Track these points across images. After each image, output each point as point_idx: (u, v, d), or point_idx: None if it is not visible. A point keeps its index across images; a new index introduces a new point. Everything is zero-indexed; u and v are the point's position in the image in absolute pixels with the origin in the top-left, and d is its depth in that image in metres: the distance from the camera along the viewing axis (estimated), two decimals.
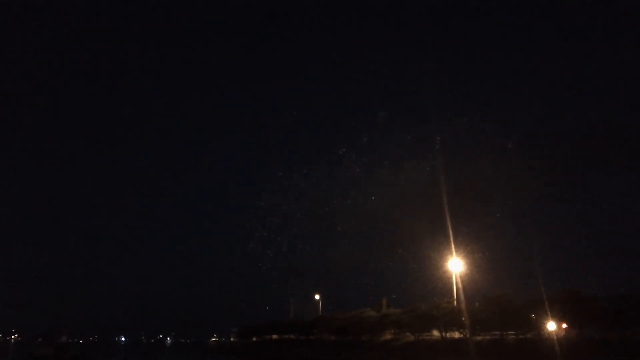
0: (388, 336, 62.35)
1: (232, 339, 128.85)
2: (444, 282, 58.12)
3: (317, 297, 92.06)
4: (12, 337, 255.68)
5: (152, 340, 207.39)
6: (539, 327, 45.85)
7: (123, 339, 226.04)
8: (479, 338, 48.99)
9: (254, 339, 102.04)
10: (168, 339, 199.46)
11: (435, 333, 55.88)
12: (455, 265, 57.02)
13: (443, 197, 58.05)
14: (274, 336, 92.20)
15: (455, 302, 55.87)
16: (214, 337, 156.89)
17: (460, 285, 55.81)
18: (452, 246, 57.02)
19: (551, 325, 44.29)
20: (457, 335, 53.26)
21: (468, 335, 49.85)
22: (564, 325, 45.89)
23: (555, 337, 42.57)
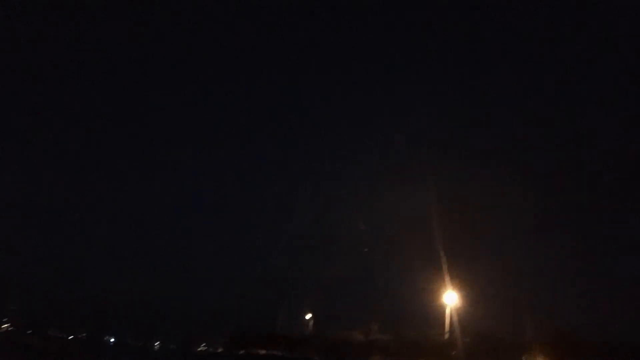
0: None
1: (219, 350, 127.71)
2: (436, 312, 57.50)
3: (308, 316, 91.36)
4: (4, 326, 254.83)
5: (140, 344, 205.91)
6: None
7: (112, 339, 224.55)
8: None
9: (241, 352, 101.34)
10: (157, 343, 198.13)
11: None
12: (449, 297, 56.45)
13: (438, 227, 57.69)
14: (262, 352, 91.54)
15: (447, 335, 55.23)
16: (203, 346, 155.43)
17: (454, 318, 55.24)
18: (446, 276, 56.48)
19: None
20: None
21: None
22: None
23: None
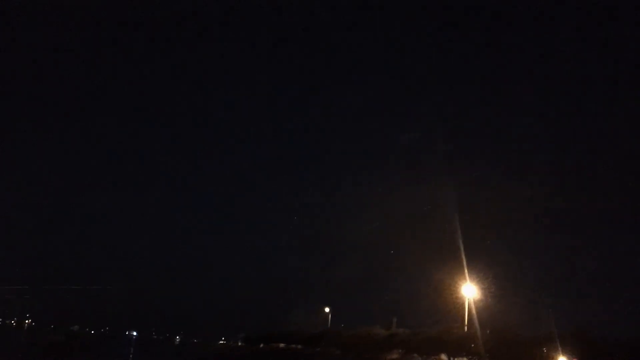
0: (395, 356, 61.77)
1: (239, 344, 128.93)
2: (456, 307, 57.59)
3: (327, 309, 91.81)
4: (26, 322, 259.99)
5: (161, 338, 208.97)
6: None
7: (135, 333, 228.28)
8: None
9: (261, 345, 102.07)
10: (177, 337, 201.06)
11: (443, 357, 55.27)
12: (468, 291, 56.52)
13: (456, 221, 57.63)
14: (281, 345, 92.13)
15: (466, 328, 55.32)
16: (222, 340, 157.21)
17: (473, 311, 55.30)
18: (466, 270, 56.57)
19: None
20: None
21: None
22: None
23: None
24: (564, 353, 43.53)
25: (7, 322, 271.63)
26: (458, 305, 57.20)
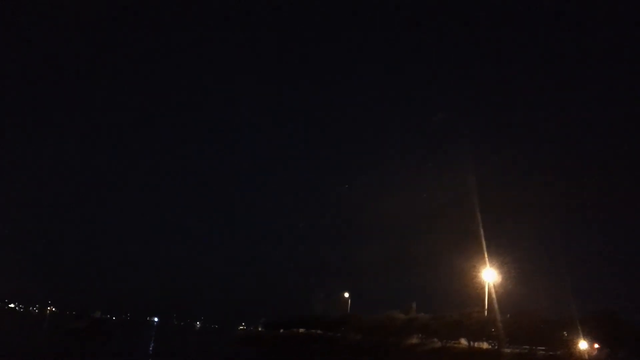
0: (414, 341, 62.08)
1: (259, 329, 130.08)
2: (476, 291, 57.61)
3: (346, 295, 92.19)
4: (49, 309, 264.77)
5: (182, 323, 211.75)
6: (570, 345, 45.13)
7: (156, 319, 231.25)
8: (508, 351, 48.41)
9: (281, 330, 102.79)
10: (197, 323, 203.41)
11: (463, 342, 55.46)
12: (489, 276, 56.47)
13: (476, 207, 57.42)
14: (301, 330, 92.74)
15: (486, 312, 55.35)
16: (242, 326, 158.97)
17: (493, 295, 55.29)
18: (485, 255, 56.45)
19: (583, 344, 43.60)
20: (485, 345, 52.76)
21: (497, 347, 49.40)
22: (596, 346, 45.16)
23: (586, 356, 41.88)
24: (586, 337, 43.44)
25: (31, 309, 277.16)
26: (478, 289, 57.23)
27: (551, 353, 46.04)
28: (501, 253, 56.98)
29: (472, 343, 53.33)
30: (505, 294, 54.87)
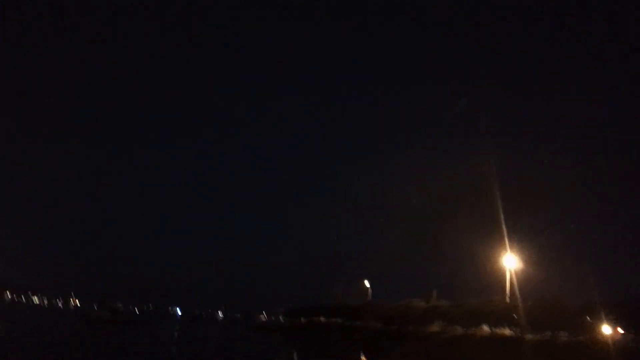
0: (435, 328, 62.07)
1: (279, 318, 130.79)
2: (497, 278, 57.37)
3: (366, 283, 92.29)
4: (71, 300, 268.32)
5: (204, 313, 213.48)
6: (593, 330, 44.84)
7: (178, 309, 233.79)
8: (530, 336, 48.18)
9: (301, 319, 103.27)
10: (219, 312, 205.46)
11: (485, 328, 55.30)
12: (510, 262, 56.20)
13: (496, 192, 56.89)
14: (321, 319, 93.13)
15: (507, 298, 55.16)
16: (262, 314, 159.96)
17: (514, 281, 55.04)
18: (506, 241, 56.10)
19: (606, 329, 43.29)
20: (507, 332, 52.58)
21: (519, 333, 49.23)
22: (620, 330, 44.79)
23: (610, 341, 41.58)
24: (609, 322, 43.12)
25: (54, 301, 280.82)
26: (499, 276, 57.01)
27: (574, 339, 45.73)
28: (523, 239, 56.61)
29: (493, 329, 53.16)
30: (527, 280, 54.54)
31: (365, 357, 26.24)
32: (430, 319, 61.91)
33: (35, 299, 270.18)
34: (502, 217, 54.42)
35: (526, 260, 55.85)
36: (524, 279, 54.94)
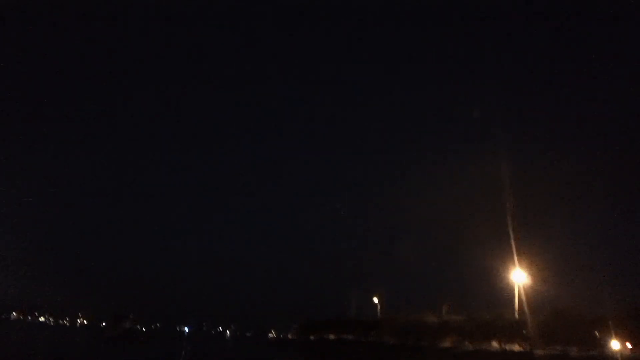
0: (448, 344, 63.03)
1: (289, 336, 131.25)
2: (506, 292, 58.33)
3: (375, 300, 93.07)
4: (78, 320, 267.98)
5: (213, 332, 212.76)
6: (602, 344, 45.63)
7: (186, 328, 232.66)
8: (541, 352, 49.04)
9: (312, 337, 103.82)
10: (227, 332, 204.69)
11: (494, 344, 56.16)
12: (518, 276, 57.16)
13: (507, 207, 58.21)
14: (332, 336, 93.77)
15: (516, 314, 56.01)
16: (272, 333, 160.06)
17: (523, 296, 55.90)
18: (515, 257, 57.10)
19: (615, 344, 44.08)
20: (517, 347, 53.41)
21: (530, 349, 50.05)
22: (629, 345, 45.55)
23: (619, 356, 42.34)
24: (618, 336, 43.84)
25: (60, 321, 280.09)
26: (510, 290, 57.94)
27: (584, 353, 46.55)
28: (533, 253, 57.59)
29: (503, 345, 54.04)
30: (536, 294, 55.46)
31: None
32: (443, 334, 62.83)
33: (42, 319, 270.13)
34: (510, 231, 55.62)
35: (536, 275, 56.82)
36: (534, 293, 55.86)
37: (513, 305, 57.18)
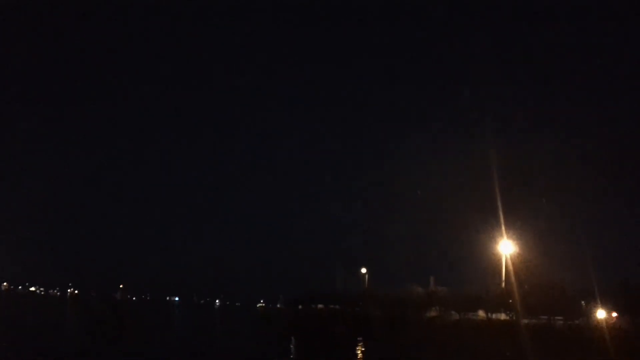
0: (433, 314, 62.91)
1: (278, 306, 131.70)
2: (493, 264, 57.95)
3: (363, 270, 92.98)
4: (69, 291, 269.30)
5: (202, 302, 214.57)
6: (588, 314, 45.44)
7: (176, 298, 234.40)
8: (526, 321, 48.83)
9: (300, 307, 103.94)
10: (217, 301, 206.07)
11: (481, 314, 56.06)
12: (505, 248, 56.72)
13: (494, 179, 57.32)
14: (320, 306, 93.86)
15: (503, 284, 55.77)
16: (261, 303, 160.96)
17: (510, 267, 55.55)
18: (503, 228, 56.52)
19: (601, 313, 43.84)
20: (503, 317, 53.30)
21: (515, 318, 49.86)
22: (615, 314, 45.37)
23: (605, 325, 42.09)
24: (604, 306, 43.56)
25: (51, 292, 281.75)
26: (495, 262, 57.58)
27: (569, 323, 46.38)
28: (520, 225, 57.05)
29: (490, 315, 53.87)
30: (523, 265, 55.06)
31: (364, 343, 26.78)
32: (429, 305, 62.71)
33: (33, 288, 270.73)
34: (499, 204, 54.90)
35: (523, 246, 56.40)
36: (520, 264, 55.48)
37: (500, 276, 56.90)
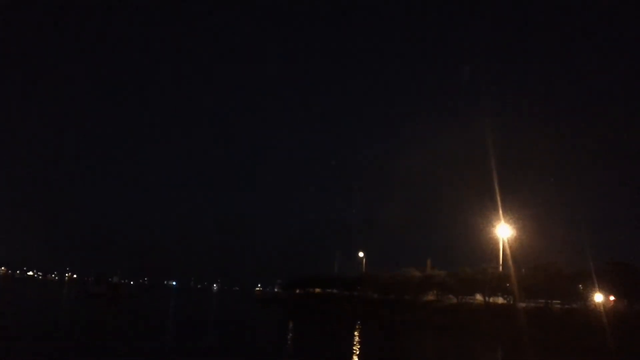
0: (431, 297, 62.91)
1: (275, 290, 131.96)
2: (491, 247, 57.80)
3: (361, 254, 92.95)
4: (67, 275, 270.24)
5: (199, 286, 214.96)
6: (585, 297, 45.34)
7: (174, 283, 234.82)
8: (524, 305, 48.78)
9: (297, 291, 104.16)
10: (214, 285, 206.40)
11: (479, 297, 56.04)
12: (503, 231, 56.57)
13: (492, 163, 57.08)
14: (317, 290, 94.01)
15: (501, 267, 55.67)
16: (258, 287, 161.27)
17: (507, 251, 55.43)
18: (500, 212, 56.38)
19: (598, 297, 43.77)
20: (500, 300, 53.26)
21: (512, 301, 49.81)
22: (612, 298, 45.31)
23: (602, 308, 42.01)
24: (601, 289, 43.43)
25: (49, 276, 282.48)
26: (493, 245, 57.44)
27: (567, 306, 46.32)
28: (517, 209, 56.90)
29: (487, 298, 53.83)
30: (520, 249, 54.98)
31: (362, 326, 26.65)
32: (426, 288, 62.64)
33: (30, 273, 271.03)
34: (496, 187, 54.73)
35: (520, 229, 56.25)
36: (518, 247, 55.38)
37: (497, 259, 56.80)
